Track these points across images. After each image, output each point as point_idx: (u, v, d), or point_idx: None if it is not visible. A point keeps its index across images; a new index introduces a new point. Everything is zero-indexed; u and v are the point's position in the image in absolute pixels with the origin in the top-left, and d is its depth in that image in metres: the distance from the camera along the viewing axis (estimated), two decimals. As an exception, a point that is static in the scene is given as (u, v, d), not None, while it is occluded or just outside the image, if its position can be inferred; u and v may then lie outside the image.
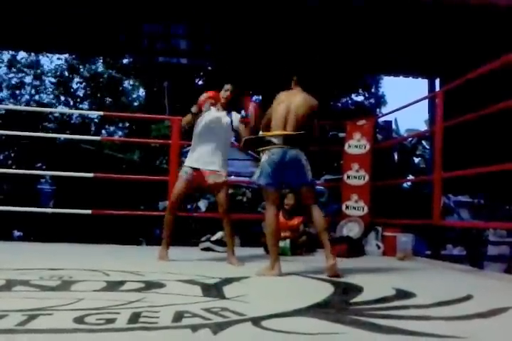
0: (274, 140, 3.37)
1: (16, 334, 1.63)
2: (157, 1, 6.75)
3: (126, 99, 23.07)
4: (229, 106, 4.14)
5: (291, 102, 3.45)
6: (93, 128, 22.33)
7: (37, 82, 22.62)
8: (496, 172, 4.12)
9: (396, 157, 11.16)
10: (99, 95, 22.36)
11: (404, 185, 10.88)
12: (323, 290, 2.70)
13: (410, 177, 11.46)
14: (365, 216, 5.68)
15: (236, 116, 4.13)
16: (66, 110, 24.20)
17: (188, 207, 7.49)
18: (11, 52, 20.92)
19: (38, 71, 22.55)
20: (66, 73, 22.49)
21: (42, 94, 22.87)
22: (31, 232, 7.91)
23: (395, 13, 6.81)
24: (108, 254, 4.59)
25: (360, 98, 21.30)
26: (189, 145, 4.37)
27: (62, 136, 11.65)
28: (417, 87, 21.08)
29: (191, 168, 4.03)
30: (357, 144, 5.94)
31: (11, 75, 22.33)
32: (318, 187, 6.06)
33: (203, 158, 4.02)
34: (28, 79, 22.65)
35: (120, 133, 23.67)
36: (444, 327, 1.92)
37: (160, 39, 8.31)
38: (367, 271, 3.72)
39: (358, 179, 5.84)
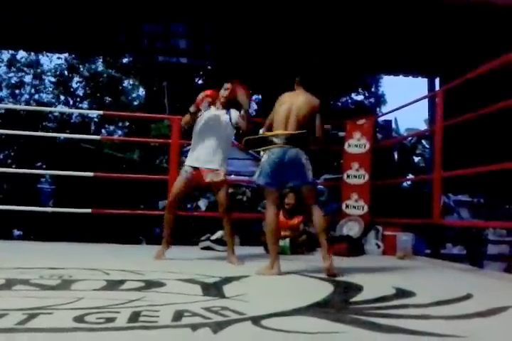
0: (275, 140, 3.38)
1: (16, 333, 1.63)
2: (157, 0, 6.76)
3: (125, 98, 23.07)
4: (229, 105, 4.12)
5: (292, 103, 3.45)
6: (93, 128, 22.34)
7: (37, 82, 22.62)
8: (496, 172, 4.12)
9: (396, 156, 11.18)
10: (98, 95, 22.36)
11: (404, 184, 10.89)
12: (323, 290, 2.70)
13: (410, 176, 11.48)
14: (365, 215, 5.69)
15: (235, 113, 4.11)
16: (66, 109, 24.23)
17: (188, 206, 7.49)
18: (10, 51, 20.91)
19: (38, 70, 22.55)
20: (66, 72, 22.49)
21: (42, 94, 22.89)
22: (31, 231, 7.91)
23: (394, 13, 6.81)
24: (108, 253, 4.59)
25: (360, 97, 21.32)
26: (189, 144, 4.37)
27: (62, 136, 11.64)
28: (417, 86, 21.17)
29: (191, 167, 4.03)
30: (357, 143, 5.94)
31: (11, 74, 22.34)
32: (318, 186, 6.05)
33: (203, 156, 4.02)
34: (27, 79, 22.68)
35: (120, 132, 23.68)
36: (444, 326, 1.92)
37: (160, 38, 8.31)
38: (367, 270, 3.72)
39: (357, 178, 5.84)
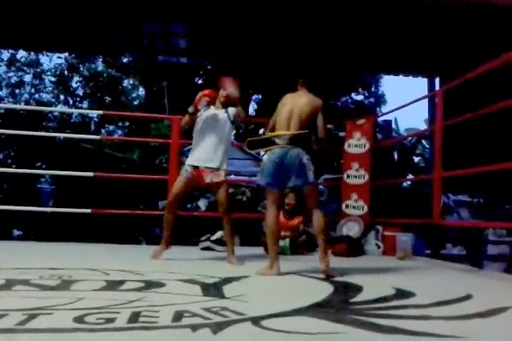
0: (277, 140, 3.38)
1: (15, 334, 1.63)
2: (157, 0, 6.75)
3: (125, 98, 23.08)
4: (228, 104, 4.12)
5: (295, 104, 3.45)
6: (93, 128, 22.34)
7: (36, 81, 22.62)
8: (496, 172, 4.12)
9: (396, 156, 11.17)
10: (99, 94, 22.36)
11: (404, 184, 10.89)
12: (323, 290, 2.70)
13: (410, 176, 11.48)
14: (364, 215, 5.69)
15: (232, 110, 4.11)
16: (66, 109, 24.22)
17: (188, 206, 7.49)
18: (10, 50, 20.91)
19: (38, 70, 22.55)
20: (66, 72, 22.49)
21: (41, 93, 22.89)
22: (31, 231, 7.91)
23: (394, 13, 6.81)
24: (108, 253, 4.60)
25: (360, 97, 21.32)
26: (189, 144, 4.38)
27: (62, 135, 11.65)
28: (417, 86, 21.15)
29: (191, 166, 4.04)
30: (357, 143, 5.95)
31: (11, 74, 22.33)
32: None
33: (203, 155, 4.02)
34: (27, 78, 22.67)
35: (120, 132, 23.68)
36: (444, 326, 1.92)
37: (160, 38, 8.31)
38: (366, 271, 3.72)
39: (357, 178, 5.84)
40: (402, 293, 2.64)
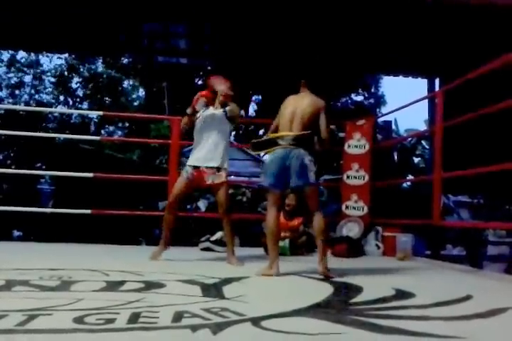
0: (280, 141, 3.39)
1: (15, 335, 1.63)
2: (157, 0, 6.76)
3: (125, 99, 23.08)
4: (226, 104, 4.12)
5: (297, 106, 3.45)
6: (93, 128, 22.35)
7: (36, 82, 22.62)
8: (496, 172, 4.12)
9: (396, 157, 11.18)
10: (99, 96, 22.37)
11: (404, 185, 10.89)
12: (323, 291, 2.70)
13: (410, 177, 11.47)
14: (364, 216, 5.68)
15: (228, 108, 4.11)
16: (66, 110, 24.23)
17: (188, 207, 7.48)
18: (10, 51, 20.92)
19: (38, 70, 22.56)
20: (66, 73, 22.50)
21: (41, 94, 22.90)
22: (31, 232, 7.90)
23: (394, 13, 6.81)
24: (107, 254, 4.59)
25: (359, 98, 21.36)
26: (189, 145, 4.38)
27: (62, 136, 11.65)
28: (417, 86, 21.14)
29: (192, 166, 4.04)
30: (357, 144, 5.94)
31: (11, 75, 22.34)
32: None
33: (203, 155, 4.02)
34: (27, 79, 22.68)
35: (120, 133, 23.69)
36: (444, 327, 1.92)
37: (160, 39, 8.31)
38: (366, 271, 3.72)
39: (357, 179, 5.84)
40: (402, 294, 2.64)
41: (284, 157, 3.33)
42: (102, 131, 23.04)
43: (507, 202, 7.35)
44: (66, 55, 20.07)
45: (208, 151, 4.01)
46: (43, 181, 12.44)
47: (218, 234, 4.95)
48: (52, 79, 22.81)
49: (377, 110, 20.38)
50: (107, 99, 22.70)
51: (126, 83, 23.33)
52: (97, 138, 10.77)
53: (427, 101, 8.02)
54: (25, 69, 22.47)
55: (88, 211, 5.42)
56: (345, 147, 5.99)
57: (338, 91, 18.24)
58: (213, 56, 9.19)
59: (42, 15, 7.20)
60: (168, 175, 5.63)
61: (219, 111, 4.07)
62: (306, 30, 7.23)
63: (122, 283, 2.73)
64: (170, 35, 8.25)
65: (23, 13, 6.98)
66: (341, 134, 6.17)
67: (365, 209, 5.72)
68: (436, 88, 8.51)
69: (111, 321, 1.83)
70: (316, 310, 2.17)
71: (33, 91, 22.64)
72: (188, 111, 4.08)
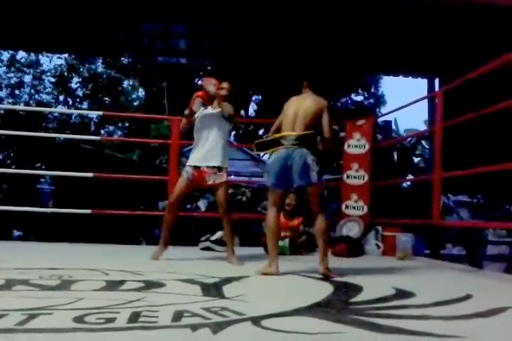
0: (283, 141, 3.39)
1: (15, 334, 1.63)
2: (157, 0, 6.75)
3: (125, 99, 23.08)
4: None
5: (300, 107, 3.45)
6: (93, 128, 22.35)
7: (36, 82, 22.63)
8: (496, 172, 4.12)
9: (396, 157, 11.17)
10: (100, 95, 22.37)
11: (404, 184, 10.89)
12: (323, 290, 2.70)
13: (410, 176, 11.47)
14: (364, 216, 5.69)
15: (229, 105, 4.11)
16: (65, 110, 24.24)
17: (188, 206, 7.49)
18: (10, 51, 20.92)
19: (38, 70, 22.56)
20: (66, 73, 22.50)
21: (41, 94, 22.90)
22: (31, 232, 7.91)
23: (394, 13, 6.81)
24: (108, 254, 4.60)
25: (359, 98, 21.37)
26: (189, 144, 4.39)
27: (62, 136, 11.65)
28: (417, 86, 21.15)
29: (192, 167, 4.04)
30: (356, 144, 5.95)
31: (11, 75, 22.34)
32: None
33: (203, 155, 4.03)
34: (27, 79, 22.68)
35: (120, 132, 23.69)
36: (444, 326, 1.92)
37: (159, 39, 8.31)
38: (366, 271, 3.72)
39: (357, 179, 5.85)
40: (402, 293, 2.64)
41: (286, 157, 3.33)
42: (102, 131, 23.04)
43: (507, 202, 7.35)
44: (66, 55, 20.07)
45: (207, 151, 4.02)
46: (43, 181, 12.44)
47: (218, 234, 4.96)
48: (52, 79, 22.81)
49: (377, 110, 20.39)
50: (106, 99, 22.69)
51: (126, 83, 23.36)
52: (97, 138, 10.76)
53: (426, 101, 8.02)
54: (25, 69, 22.47)
55: (88, 211, 5.43)
56: (345, 147, 5.99)
57: (338, 92, 18.25)
58: (213, 56, 9.19)
59: (42, 15, 7.19)
60: (168, 175, 5.63)
61: (217, 111, 4.07)
62: (306, 30, 7.23)
63: (122, 282, 2.74)
64: (170, 35, 8.24)
65: (23, 13, 6.98)
66: (341, 134, 6.18)
67: (365, 208, 5.73)
68: (436, 88, 8.51)
69: (111, 320, 1.83)
70: (316, 309, 2.18)
71: (32, 91, 22.64)
72: (186, 112, 4.11)
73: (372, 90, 21.25)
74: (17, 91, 22.48)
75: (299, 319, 1.99)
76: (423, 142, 13.04)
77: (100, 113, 8.00)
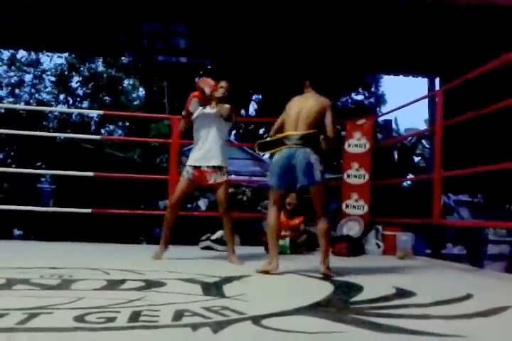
0: (286, 141, 3.39)
1: (16, 333, 1.63)
2: (157, 0, 6.75)
3: (125, 98, 23.06)
4: (225, 103, 4.11)
5: (303, 106, 3.45)
6: (93, 128, 22.34)
7: (37, 81, 22.62)
8: (496, 172, 4.12)
9: (396, 156, 11.17)
10: (100, 95, 22.36)
11: (404, 184, 10.89)
12: (324, 289, 2.70)
13: (410, 176, 11.47)
14: (365, 215, 5.69)
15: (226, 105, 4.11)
16: (66, 109, 24.22)
17: (188, 206, 7.49)
18: (11, 50, 20.91)
19: (38, 70, 22.55)
20: (66, 72, 22.49)
21: (42, 93, 22.89)
22: (31, 231, 7.92)
23: (394, 13, 6.81)
24: (108, 253, 4.60)
25: (360, 97, 21.33)
26: (189, 144, 4.39)
27: (62, 135, 11.65)
28: (417, 86, 21.13)
29: (193, 166, 4.04)
30: (357, 143, 5.95)
31: (11, 74, 22.33)
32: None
33: (203, 154, 4.03)
34: (27, 78, 22.67)
35: (120, 132, 23.68)
36: (444, 326, 1.92)
37: (160, 38, 8.30)
38: (367, 270, 3.72)
39: (358, 178, 5.84)
40: (402, 293, 2.64)
41: (289, 156, 3.33)
42: (103, 130, 23.02)
43: (507, 201, 7.36)
44: (66, 54, 20.06)
45: (207, 151, 4.02)
46: (44, 180, 12.43)
47: (219, 233, 4.96)
48: (53, 79, 22.79)
49: (378, 109, 20.37)
50: (107, 98, 22.68)
51: (126, 82, 23.31)
52: (98, 137, 10.76)
53: (427, 100, 8.01)
54: (25, 68, 22.45)
55: (89, 210, 5.43)
56: (346, 146, 5.99)
57: (338, 91, 18.23)
58: (213, 55, 9.18)
59: (42, 15, 7.19)
60: (168, 174, 5.64)
61: (215, 111, 4.07)
62: (306, 30, 7.23)
63: (123, 281, 2.74)
64: (170, 35, 8.24)
65: (23, 13, 6.98)
66: (342, 133, 6.18)
67: (366, 208, 5.73)
68: (437, 87, 8.51)
69: (111, 320, 1.83)
70: (316, 308, 2.18)
71: (33, 91, 22.63)
72: (183, 113, 4.12)
73: (373, 89, 21.22)
74: (17, 91, 22.46)
75: (300, 318, 1.99)
76: (423, 141, 13.03)
77: (101, 112, 8.01)
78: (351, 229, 5.54)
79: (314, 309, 2.16)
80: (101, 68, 22.45)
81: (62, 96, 23.10)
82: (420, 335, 1.76)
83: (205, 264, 3.94)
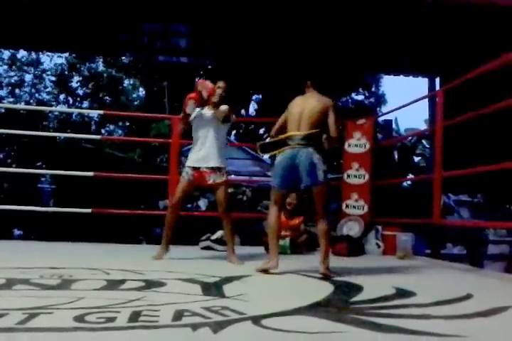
0: (289, 141, 3.39)
1: (16, 333, 1.63)
2: (157, 0, 6.75)
3: (126, 98, 23.06)
4: (222, 104, 4.10)
5: (305, 106, 3.45)
6: (93, 127, 22.34)
7: (37, 81, 22.62)
8: (496, 172, 4.12)
9: (396, 156, 11.17)
10: (100, 95, 22.36)
11: (404, 184, 10.89)
12: (324, 289, 2.70)
13: (410, 176, 11.47)
14: (365, 215, 5.69)
15: (223, 107, 4.10)
16: (66, 109, 24.23)
17: (189, 206, 7.49)
18: (11, 50, 20.91)
19: (38, 69, 22.55)
20: (66, 72, 22.50)
21: (42, 93, 22.89)
22: (31, 231, 7.92)
23: (395, 13, 6.81)
24: (108, 253, 4.60)
25: (360, 97, 21.35)
26: (189, 144, 4.39)
27: (63, 135, 11.65)
28: (417, 86, 21.12)
29: (192, 167, 4.04)
30: (357, 143, 5.95)
31: (11, 73, 22.33)
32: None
33: (202, 156, 4.03)
34: (28, 78, 22.67)
35: (120, 132, 23.68)
36: (444, 326, 1.92)
37: (160, 38, 8.31)
38: (367, 270, 3.72)
39: (358, 178, 5.85)
40: (402, 293, 2.64)
41: (292, 157, 3.34)
42: (103, 130, 23.02)
43: (507, 201, 7.35)
44: (66, 54, 20.07)
45: (205, 152, 4.03)
46: (44, 180, 12.43)
47: (219, 233, 4.96)
48: (53, 78, 22.79)
49: (378, 109, 20.39)
50: (107, 98, 22.68)
51: (126, 82, 23.32)
52: (98, 137, 10.76)
53: (427, 100, 8.01)
54: (25, 68, 22.45)
55: (89, 210, 5.43)
56: (346, 146, 5.99)
57: (338, 91, 18.23)
58: (214, 55, 9.19)
59: (42, 15, 7.19)
60: (168, 174, 5.64)
61: (213, 112, 4.07)
62: (306, 30, 7.23)
63: (123, 281, 2.74)
64: (170, 35, 8.24)
65: (23, 13, 6.98)
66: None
67: (366, 208, 5.73)
68: (437, 87, 8.51)
69: (111, 320, 1.83)
70: (316, 308, 2.18)
71: (33, 90, 22.64)
72: (181, 115, 4.13)
73: (373, 89, 21.24)
74: (17, 90, 22.46)
75: (300, 318, 1.99)
76: (423, 141, 13.03)
77: (101, 112, 8.01)
78: (351, 229, 5.54)
79: (314, 309, 2.16)
80: (101, 68, 22.46)
81: (62, 96, 23.10)
82: (420, 335, 1.76)
83: (205, 264, 3.94)
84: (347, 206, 5.80)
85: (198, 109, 4.07)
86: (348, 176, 5.88)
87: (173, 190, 4.56)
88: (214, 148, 4.03)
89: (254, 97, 21.65)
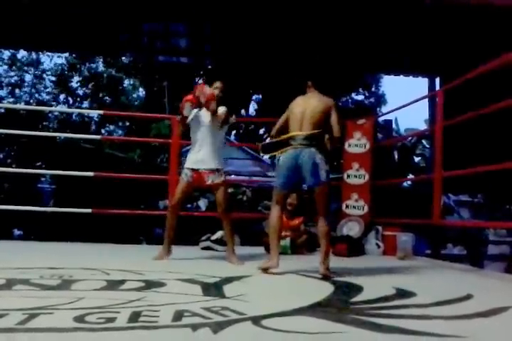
0: (291, 141, 3.39)
1: (16, 333, 1.63)
2: (157, 0, 6.75)
3: (126, 98, 23.07)
4: (220, 104, 4.09)
5: (306, 106, 3.45)
6: (93, 127, 22.34)
7: (37, 81, 22.62)
8: (496, 172, 4.12)
9: (396, 156, 11.16)
10: (100, 95, 22.36)
11: (404, 184, 10.88)
12: (324, 290, 2.70)
13: (410, 176, 11.46)
14: (365, 215, 5.69)
15: (221, 110, 4.09)
16: (66, 109, 24.24)
17: (188, 206, 7.49)
18: (11, 50, 20.91)
19: (38, 69, 22.55)
20: (66, 72, 22.50)
21: (42, 93, 22.89)
22: (31, 231, 7.91)
23: (395, 13, 6.80)
24: (108, 253, 4.60)
25: (360, 97, 21.36)
26: (189, 144, 4.39)
27: (62, 135, 11.64)
28: (417, 86, 21.12)
29: (190, 169, 4.05)
30: (357, 143, 5.95)
31: (11, 73, 22.33)
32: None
33: (200, 157, 4.04)
34: (28, 78, 22.68)
35: (120, 132, 23.68)
36: (444, 326, 1.92)
37: (160, 38, 8.31)
38: (367, 271, 3.72)
39: (358, 178, 5.84)
40: (402, 293, 2.64)
41: (295, 157, 3.34)
42: (103, 130, 23.03)
43: (507, 201, 7.35)
44: (66, 54, 20.08)
45: (204, 154, 4.03)
46: (44, 180, 12.42)
47: (219, 233, 4.96)
48: (53, 78, 22.80)
49: (378, 109, 20.40)
50: (107, 98, 22.69)
51: (126, 82, 23.33)
52: (98, 137, 10.76)
53: (427, 100, 8.01)
54: (25, 68, 22.46)
55: (89, 210, 5.43)
56: (346, 146, 5.99)
57: (338, 91, 18.24)
58: (214, 55, 9.19)
59: (42, 15, 7.19)
60: (168, 174, 5.64)
61: (210, 114, 4.06)
62: (306, 29, 7.23)
63: (123, 282, 2.74)
64: (170, 35, 8.24)
65: (23, 13, 6.98)
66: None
67: (366, 208, 5.72)
68: (437, 87, 8.51)
69: (111, 320, 1.83)
70: (316, 309, 2.18)
71: (33, 90, 22.64)
72: (178, 117, 4.15)
73: (373, 89, 21.25)
74: (17, 90, 22.47)
75: (300, 318, 1.99)
76: (424, 141, 13.02)
77: (101, 112, 8.00)
78: (351, 229, 5.53)
79: (314, 309, 2.16)
80: (101, 68, 22.47)
81: (62, 96, 23.11)
82: (420, 336, 1.76)
83: (205, 264, 3.94)
84: (347, 206, 5.80)
85: (195, 111, 4.07)
86: (348, 176, 5.88)
87: (173, 190, 4.56)
88: (212, 149, 4.04)
89: (254, 97, 21.66)
